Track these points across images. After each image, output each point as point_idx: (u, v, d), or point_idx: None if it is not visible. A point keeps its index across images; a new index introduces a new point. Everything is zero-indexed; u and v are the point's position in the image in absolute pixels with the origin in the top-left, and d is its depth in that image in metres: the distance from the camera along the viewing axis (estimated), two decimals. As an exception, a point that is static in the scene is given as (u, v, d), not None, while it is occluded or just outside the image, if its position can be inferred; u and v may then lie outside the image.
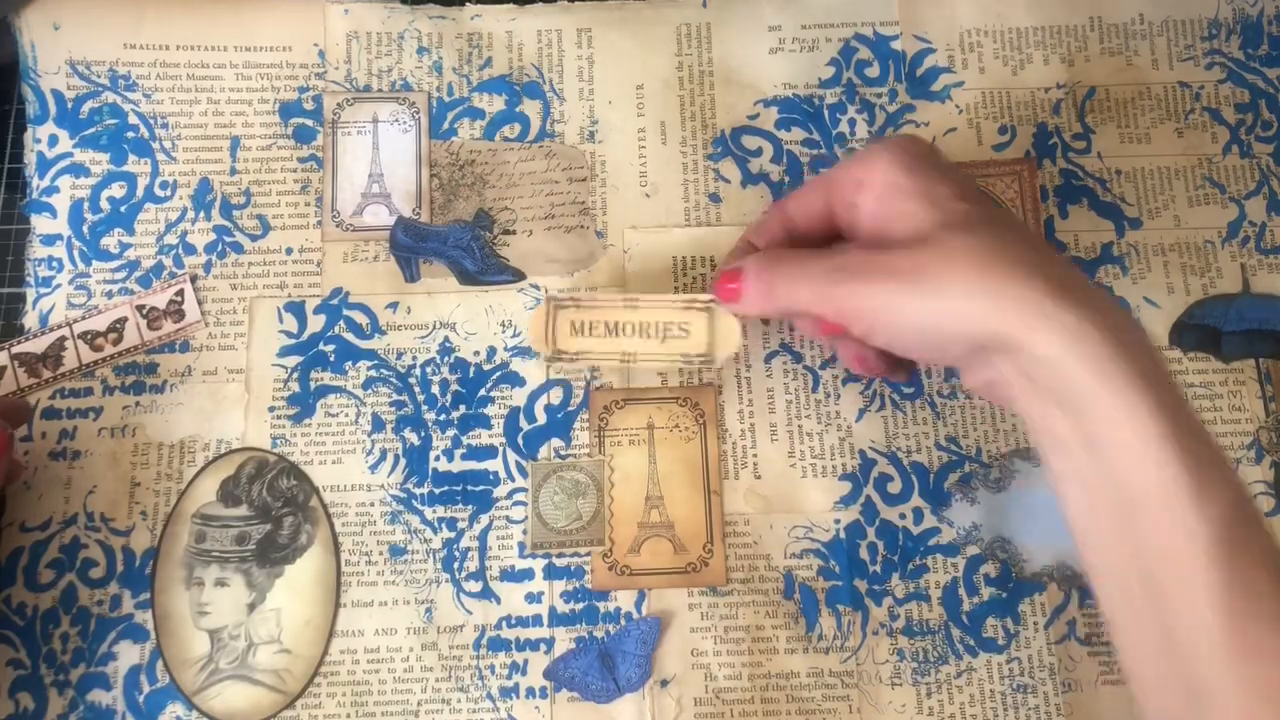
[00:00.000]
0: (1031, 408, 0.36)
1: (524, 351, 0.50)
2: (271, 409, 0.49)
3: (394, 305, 0.50)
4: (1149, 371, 0.34)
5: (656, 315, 0.47)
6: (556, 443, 0.49)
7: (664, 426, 0.49)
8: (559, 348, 0.47)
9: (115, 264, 0.50)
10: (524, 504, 0.48)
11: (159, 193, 0.51)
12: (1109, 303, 0.36)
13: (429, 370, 0.50)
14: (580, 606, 0.47)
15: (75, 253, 0.51)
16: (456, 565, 0.47)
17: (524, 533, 0.48)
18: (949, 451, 0.49)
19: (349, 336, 0.50)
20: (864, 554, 0.48)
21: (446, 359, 0.50)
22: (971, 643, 0.47)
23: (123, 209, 0.51)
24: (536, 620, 0.47)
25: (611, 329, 0.47)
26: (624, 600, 0.47)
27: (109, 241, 0.51)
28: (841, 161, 0.42)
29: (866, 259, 0.39)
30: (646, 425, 0.49)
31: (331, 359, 0.50)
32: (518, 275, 0.51)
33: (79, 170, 0.51)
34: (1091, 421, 0.34)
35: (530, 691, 0.46)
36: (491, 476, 0.49)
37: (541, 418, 0.49)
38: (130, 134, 0.52)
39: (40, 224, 0.51)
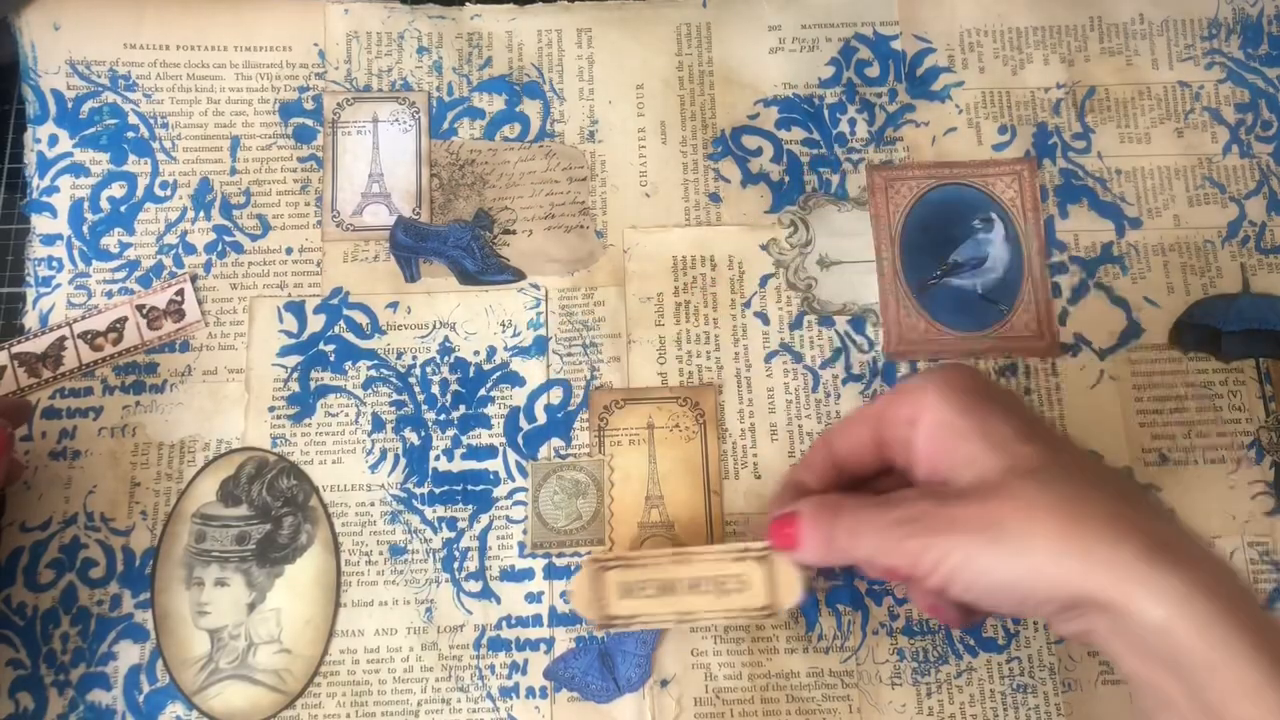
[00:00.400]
0: (1135, 667, 0.34)
1: (524, 351, 0.50)
2: (271, 409, 0.49)
3: (394, 305, 0.50)
4: (1263, 630, 0.32)
5: (710, 569, 0.43)
6: (556, 442, 0.49)
7: (664, 426, 0.49)
8: (610, 614, 0.43)
9: (115, 264, 0.50)
10: (524, 504, 0.48)
11: (159, 192, 0.51)
12: (1209, 557, 0.34)
13: (429, 370, 0.50)
14: (580, 606, 0.47)
15: (75, 252, 0.51)
16: (456, 565, 0.47)
17: (524, 532, 0.48)
18: (949, 451, 0.49)
19: (349, 336, 0.50)
20: (864, 554, 0.48)
21: (446, 359, 0.50)
22: (971, 642, 0.47)
23: (123, 209, 0.51)
24: (536, 620, 0.47)
25: (665, 587, 0.44)
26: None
27: (109, 241, 0.51)
28: (888, 394, 0.39)
29: (935, 510, 0.36)
30: (646, 425, 0.49)
31: (331, 359, 0.50)
32: (518, 275, 0.51)
33: (79, 170, 0.51)
34: (1206, 689, 0.32)
35: (530, 691, 0.46)
36: (491, 476, 0.49)
37: (541, 417, 0.49)
38: (130, 134, 0.52)
39: (40, 224, 0.51)
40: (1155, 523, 0.34)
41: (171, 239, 0.51)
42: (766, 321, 0.50)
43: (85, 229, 0.51)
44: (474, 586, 0.47)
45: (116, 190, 0.51)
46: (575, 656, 0.46)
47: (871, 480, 0.42)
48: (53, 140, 0.52)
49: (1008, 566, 0.34)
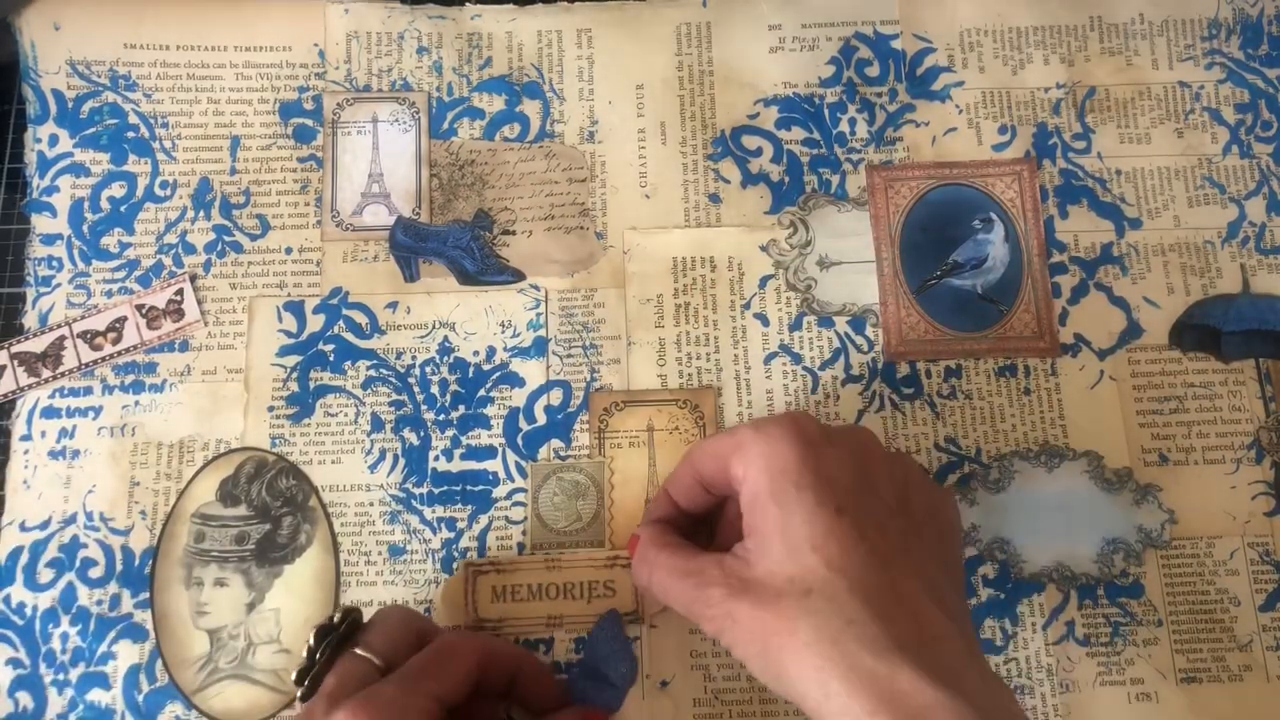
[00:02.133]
0: None
1: (523, 352, 0.50)
2: (271, 409, 0.49)
3: (393, 305, 0.50)
4: None
5: (580, 575, 0.47)
6: (556, 443, 0.49)
7: (664, 428, 0.49)
8: (479, 616, 0.46)
9: (115, 263, 0.51)
10: (524, 505, 0.48)
11: (159, 192, 0.51)
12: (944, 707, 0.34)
13: (428, 370, 0.50)
14: (579, 607, 0.47)
15: (75, 252, 0.51)
16: (456, 566, 0.47)
17: (524, 533, 0.48)
18: (948, 452, 0.49)
19: (348, 336, 0.50)
20: (863, 554, 0.48)
21: (446, 359, 0.50)
22: (970, 643, 0.47)
23: (123, 208, 0.51)
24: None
25: (535, 592, 0.47)
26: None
27: (109, 241, 0.51)
28: (726, 438, 0.40)
29: (724, 600, 0.37)
30: (646, 427, 0.49)
31: (331, 359, 0.50)
32: (517, 275, 0.51)
33: (79, 170, 0.51)
34: None
35: (529, 691, 0.46)
36: (491, 477, 0.49)
37: (541, 418, 0.49)
38: (130, 134, 0.52)
39: (40, 223, 0.51)
40: (903, 668, 0.34)
41: (171, 239, 0.51)
42: (766, 323, 0.50)
43: (85, 229, 0.51)
44: (473, 587, 0.47)
45: (116, 190, 0.51)
46: (574, 684, 0.46)
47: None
48: (53, 140, 0.52)
49: (765, 678, 0.37)
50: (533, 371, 0.50)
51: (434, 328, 0.50)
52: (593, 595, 0.47)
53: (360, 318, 0.50)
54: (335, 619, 0.40)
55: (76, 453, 0.48)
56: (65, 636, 0.46)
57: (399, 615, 0.42)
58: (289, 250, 0.51)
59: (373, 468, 0.49)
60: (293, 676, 0.39)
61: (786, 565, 0.37)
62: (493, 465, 0.49)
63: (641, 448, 0.49)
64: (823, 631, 0.35)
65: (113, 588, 0.47)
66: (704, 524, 0.45)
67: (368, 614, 0.42)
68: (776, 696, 0.46)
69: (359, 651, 0.39)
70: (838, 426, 0.43)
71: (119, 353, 0.49)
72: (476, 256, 0.51)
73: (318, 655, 0.39)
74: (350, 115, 0.53)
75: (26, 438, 0.49)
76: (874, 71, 0.54)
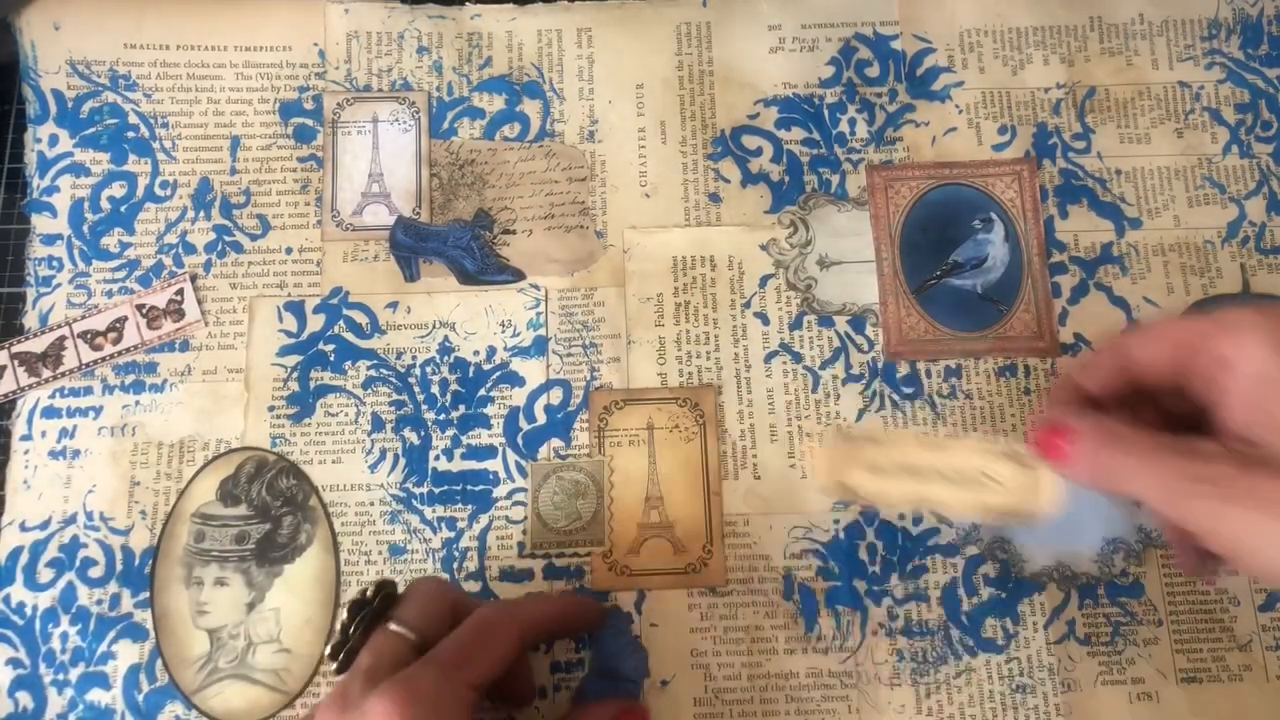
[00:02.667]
0: None
1: (523, 351, 0.50)
2: (271, 408, 0.49)
3: (394, 305, 0.50)
4: None
5: (964, 460, 0.41)
6: (556, 443, 0.49)
7: (664, 427, 0.49)
8: (849, 483, 0.42)
9: (115, 263, 0.51)
10: (524, 504, 0.48)
11: (159, 192, 0.51)
12: None
13: (429, 370, 0.50)
14: (579, 606, 0.47)
15: (75, 252, 0.51)
16: (456, 565, 0.47)
17: (524, 533, 0.48)
18: (948, 451, 0.49)
19: (349, 336, 0.50)
20: (863, 554, 0.48)
21: (446, 359, 0.50)
22: (970, 643, 0.47)
23: (123, 208, 0.51)
24: (536, 620, 0.47)
25: (911, 471, 0.42)
26: (624, 600, 0.47)
27: (109, 241, 0.51)
28: (1201, 321, 0.35)
29: (1237, 477, 0.33)
30: (646, 426, 0.49)
31: (331, 358, 0.50)
32: (517, 275, 0.51)
33: (79, 170, 0.51)
34: None
35: (529, 691, 0.46)
36: (491, 476, 0.49)
37: (541, 418, 0.49)
38: (130, 134, 0.52)
39: (40, 223, 0.51)
40: None
41: (171, 239, 0.51)
42: (766, 322, 0.50)
43: (85, 229, 0.51)
44: (473, 587, 0.47)
45: (117, 190, 0.51)
46: (589, 681, 0.46)
47: (1156, 397, 0.38)
48: (53, 140, 0.52)
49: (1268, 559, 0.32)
50: (533, 371, 0.50)
51: (434, 327, 0.50)
52: (975, 485, 0.41)
53: (360, 317, 0.50)
54: (368, 593, 0.40)
55: (77, 453, 0.48)
56: (65, 636, 0.46)
57: (433, 588, 0.42)
58: (289, 250, 0.51)
59: (373, 467, 0.49)
60: (326, 650, 0.39)
61: None
62: (493, 465, 0.49)
63: (641, 446, 0.49)
64: None
65: (113, 587, 0.47)
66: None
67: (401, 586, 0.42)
68: (776, 697, 0.46)
69: (393, 628, 0.39)
70: None
71: (119, 353, 0.49)
72: (476, 256, 0.51)
73: (351, 631, 0.39)
74: (350, 115, 0.53)
75: (27, 438, 0.49)
76: (874, 72, 0.54)
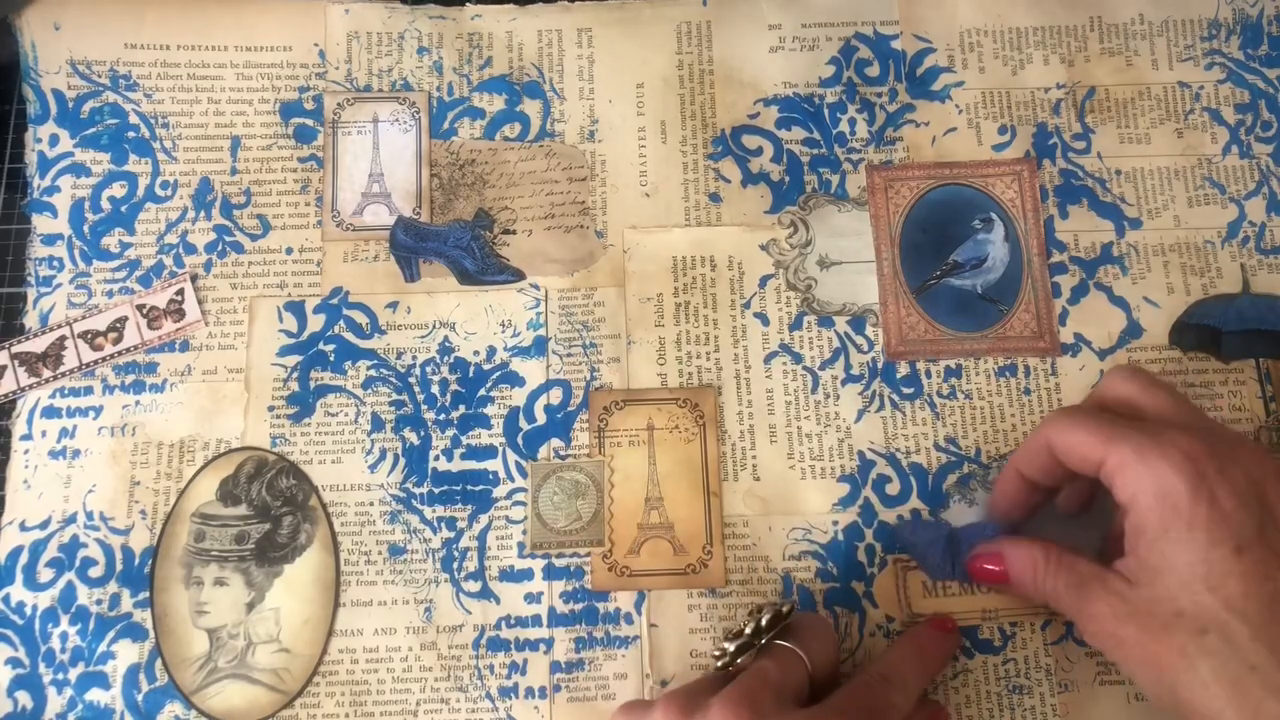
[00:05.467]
0: None
1: (523, 351, 0.50)
2: (271, 408, 0.49)
3: (394, 305, 0.50)
4: None
5: None
6: (556, 443, 0.49)
7: (664, 427, 0.49)
8: (913, 611, 0.47)
9: (115, 263, 0.51)
10: (523, 504, 0.48)
11: (159, 192, 0.51)
12: None
13: (429, 370, 0.50)
14: (580, 607, 0.47)
15: (76, 252, 0.51)
16: (456, 565, 0.47)
17: (523, 533, 0.48)
18: (948, 452, 0.49)
19: (349, 336, 0.50)
20: (861, 556, 0.48)
21: (446, 359, 0.50)
22: (968, 644, 0.47)
23: (123, 208, 0.51)
24: (536, 620, 0.47)
25: (965, 587, 0.47)
26: (624, 601, 0.47)
27: (109, 241, 0.51)
28: (1081, 421, 0.40)
29: (1109, 617, 0.38)
30: (646, 426, 0.49)
31: (331, 358, 0.50)
32: (518, 275, 0.51)
33: (80, 170, 0.51)
34: None
35: (529, 691, 0.46)
36: (491, 476, 0.49)
37: (541, 418, 0.49)
38: (131, 134, 0.52)
39: (41, 223, 0.51)
40: None
41: (172, 239, 0.51)
42: (766, 322, 0.50)
43: (86, 229, 0.51)
44: (473, 586, 0.47)
45: (117, 190, 0.51)
46: (924, 527, 0.47)
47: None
48: (53, 140, 0.52)
49: (1156, 703, 0.38)
50: (533, 371, 0.50)
51: (434, 327, 0.50)
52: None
53: (361, 317, 0.50)
54: (784, 609, 0.41)
55: (77, 452, 0.49)
56: (65, 636, 0.46)
57: (830, 633, 0.43)
58: (289, 250, 0.51)
59: (373, 467, 0.49)
60: (730, 646, 0.39)
61: (1178, 599, 0.36)
62: (493, 465, 0.49)
63: (641, 446, 0.49)
64: (1222, 673, 0.35)
65: (112, 587, 0.47)
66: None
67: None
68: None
69: (799, 653, 0.40)
70: (1222, 436, 0.39)
71: (119, 352, 0.49)
72: (477, 256, 0.51)
73: (763, 640, 0.40)
74: (351, 115, 0.53)
75: (27, 437, 0.49)
76: (874, 71, 0.54)
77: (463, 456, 0.49)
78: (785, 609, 0.41)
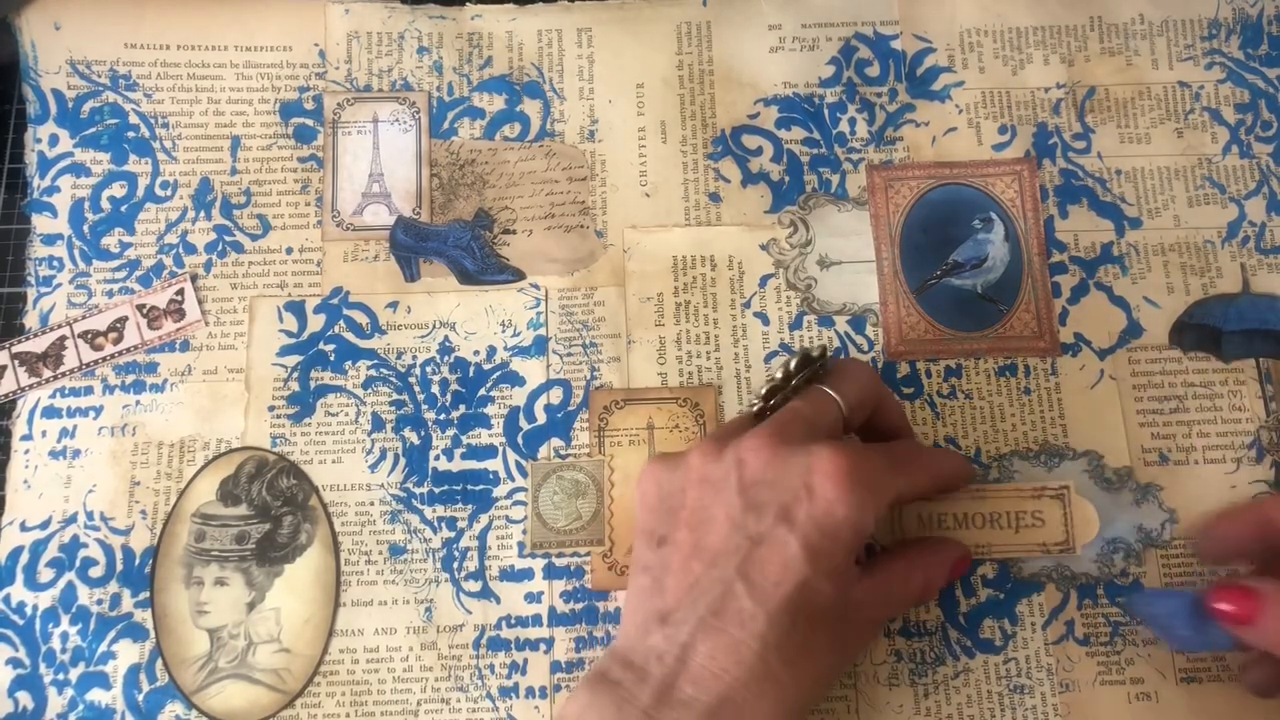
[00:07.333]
0: None
1: (523, 351, 0.50)
2: (271, 408, 0.49)
3: (394, 305, 0.50)
4: None
5: (1006, 504, 0.46)
6: (556, 442, 0.49)
7: (664, 427, 0.49)
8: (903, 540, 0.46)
9: (116, 263, 0.51)
10: (524, 504, 0.48)
11: (159, 192, 0.51)
12: None
13: (429, 370, 0.50)
14: (580, 606, 0.47)
15: (76, 252, 0.51)
16: (456, 565, 0.47)
17: (524, 532, 0.48)
18: (948, 451, 0.49)
19: (349, 336, 0.50)
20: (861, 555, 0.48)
21: (446, 358, 0.50)
22: (969, 644, 0.47)
23: (123, 208, 0.51)
24: (536, 620, 0.47)
25: (960, 520, 0.46)
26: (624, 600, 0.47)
27: (109, 241, 0.51)
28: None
29: None
30: (646, 425, 0.49)
31: (331, 358, 0.50)
32: (518, 275, 0.51)
33: (80, 170, 0.51)
34: None
35: (530, 691, 0.46)
36: (491, 476, 0.49)
37: (541, 417, 0.49)
38: (131, 134, 0.52)
39: (41, 223, 0.51)
40: None
41: (172, 239, 0.51)
42: (766, 322, 0.50)
43: (86, 229, 0.51)
44: (473, 586, 0.47)
45: (117, 190, 0.51)
46: (1164, 597, 0.45)
47: None
48: (53, 140, 0.52)
49: None
50: (533, 370, 0.50)
51: (434, 327, 0.50)
52: (1020, 525, 0.46)
53: (361, 317, 0.50)
54: (814, 354, 0.41)
55: (77, 452, 0.49)
56: (65, 636, 0.46)
57: (869, 374, 0.43)
58: (289, 250, 0.51)
59: (373, 467, 0.49)
60: (762, 390, 0.40)
61: None
62: (493, 464, 0.49)
63: (641, 446, 0.49)
64: None
65: (113, 587, 0.47)
66: None
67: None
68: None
69: (831, 393, 0.40)
70: None
71: (120, 352, 0.49)
72: (477, 256, 0.51)
73: (794, 381, 0.40)
74: (351, 115, 0.53)
75: (27, 437, 0.49)
76: (874, 71, 0.54)
77: (463, 456, 0.49)
78: (815, 353, 0.41)
